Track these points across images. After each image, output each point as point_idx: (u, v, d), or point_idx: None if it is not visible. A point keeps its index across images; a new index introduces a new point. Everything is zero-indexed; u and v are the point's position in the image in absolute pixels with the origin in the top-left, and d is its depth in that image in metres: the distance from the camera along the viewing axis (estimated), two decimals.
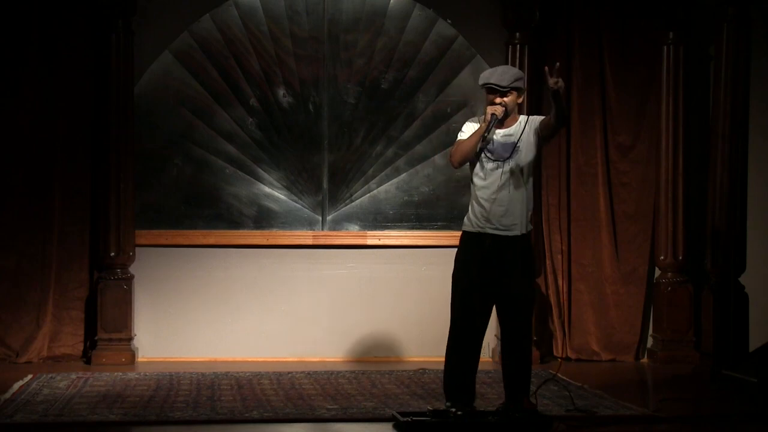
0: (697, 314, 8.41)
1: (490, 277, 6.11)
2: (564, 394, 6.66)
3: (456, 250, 6.26)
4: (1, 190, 8.18)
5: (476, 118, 6.27)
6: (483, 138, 6.07)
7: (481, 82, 6.16)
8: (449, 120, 8.62)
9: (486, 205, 6.10)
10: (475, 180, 6.18)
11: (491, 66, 8.51)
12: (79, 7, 8.22)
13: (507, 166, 6.09)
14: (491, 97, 6.11)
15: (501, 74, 6.12)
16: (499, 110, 6.08)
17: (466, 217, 6.21)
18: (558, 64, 5.93)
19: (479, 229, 6.12)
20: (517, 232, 6.12)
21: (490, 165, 6.12)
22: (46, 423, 6.03)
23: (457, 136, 6.24)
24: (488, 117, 6.06)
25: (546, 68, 5.89)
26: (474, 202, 6.16)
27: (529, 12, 8.38)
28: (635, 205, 8.60)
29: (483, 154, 6.13)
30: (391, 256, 8.59)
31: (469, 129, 6.19)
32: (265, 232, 8.56)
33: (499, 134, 6.15)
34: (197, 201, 8.54)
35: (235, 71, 8.52)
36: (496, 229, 6.10)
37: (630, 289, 8.58)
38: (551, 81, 5.81)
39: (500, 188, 6.10)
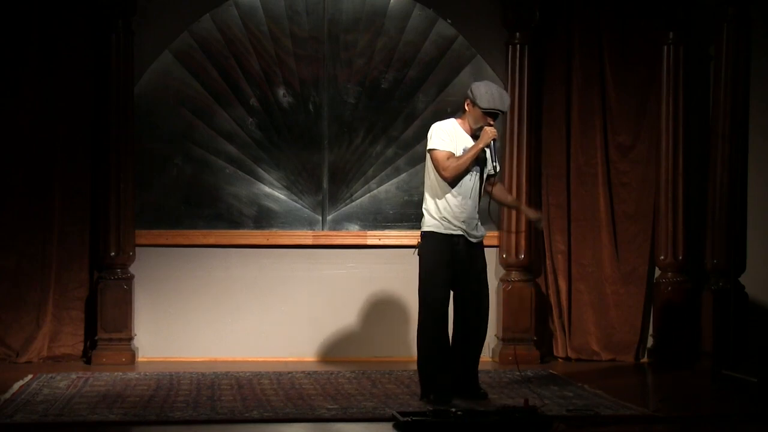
0: (697, 314, 8.41)
1: (455, 274, 6.64)
2: (564, 395, 6.66)
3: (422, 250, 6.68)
4: (1, 190, 8.18)
5: (447, 125, 6.66)
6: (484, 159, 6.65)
7: (486, 105, 6.52)
8: None
9: (459, 212, 6.57)
10: (450, 188, 6.58)
11: (491, 66, 8.56)
12: (79, 7, 8.22)
13: (476, 176, 6.64)
14: (488, 119, 6.56)
15: (504, 101, 6.61)
16: (496, 133, 6.57)
17: (430, 219, 6.62)
18: None
19: (452, 232, 6.59)
20: (482, 235, 6.74)
21: (465, 175, 6.59)
22: (46, 423, 6.03)
23: (433, 141, 6.59)
24: (488, 141, 6.52)
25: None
26: (441, 207, 6.58)
27: (529, 12, 8.37)
28: (635, 205, 8.60)
29: None
30: (391, 256, 8.58)
31: (448, 137, 6.60)
32: (265, 232, 8.56)
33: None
34: (197, 201, 8.54)
35: (235, 71, 8.52)
36: (469, 233, 6.61)
37: (630, 289, 8.57)
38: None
39: (472, 196, 6.62)
